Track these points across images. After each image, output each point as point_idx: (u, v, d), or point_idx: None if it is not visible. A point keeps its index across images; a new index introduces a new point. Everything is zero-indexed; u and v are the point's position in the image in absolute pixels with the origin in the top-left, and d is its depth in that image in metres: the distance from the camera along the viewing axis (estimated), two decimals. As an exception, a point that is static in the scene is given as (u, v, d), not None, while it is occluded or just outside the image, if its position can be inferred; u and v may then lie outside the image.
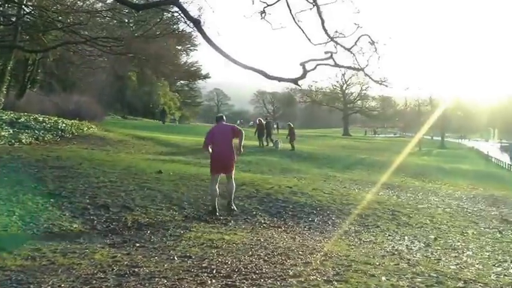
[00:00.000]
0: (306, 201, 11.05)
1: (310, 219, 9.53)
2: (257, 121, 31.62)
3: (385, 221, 9.88)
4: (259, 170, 18.11)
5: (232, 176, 9.95)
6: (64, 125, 23.14)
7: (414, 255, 7.32)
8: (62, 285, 4.83)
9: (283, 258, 6.18)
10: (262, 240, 7.34)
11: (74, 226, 7.61)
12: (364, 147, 47.68)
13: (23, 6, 27.66)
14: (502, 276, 6.35)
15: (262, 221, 9.01)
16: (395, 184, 17.90)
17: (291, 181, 14.79)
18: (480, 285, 5.59)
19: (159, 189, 10.57)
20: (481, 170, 30.22)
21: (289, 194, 11.61)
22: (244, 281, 5.13)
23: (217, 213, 9.20)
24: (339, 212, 10.32)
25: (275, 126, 63.60)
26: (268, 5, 14.20)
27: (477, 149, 61.37)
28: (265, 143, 29.08)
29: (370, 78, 15.68)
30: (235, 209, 9.70)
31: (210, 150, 9.79)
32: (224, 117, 10.44)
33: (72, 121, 25.08)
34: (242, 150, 9.98)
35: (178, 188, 10.91)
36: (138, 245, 6.70)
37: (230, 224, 8.57)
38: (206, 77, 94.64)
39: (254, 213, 9.57)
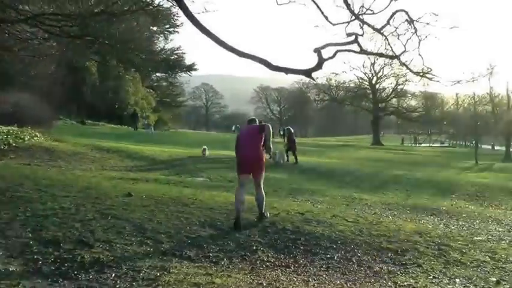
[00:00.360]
0: (323, 232, 11.01)
1: (328, 255, 9.48)
2: None
3: (429, 258, 9.82)
4: (261, 191, 18.08)
5: (261, 184, 11.50)
6: (-3, 133, 23.10)
7: (468, 303, 7.28)
8: None
9: (292, 308, 6.16)
10: (264, 284, 7.33)
11: (11, 269, 7.54)
12: (400, 160, 47.61)
13: None
14: None
15: (265, 259, 8.96)
16: (442, 209, 17.87)
17: (304, 205, 14.78)
18: None
19: (128, 217, 10.56)
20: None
21: (300, 223, 11.59)
22: None
23: (241, 229, 10.56)
24: (367, 247, 10.28)
25: (281, 133, 63.61)
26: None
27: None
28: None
29: (408, 68, 15.73)
30: (268, 215, 11.58)
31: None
32: (257, 121, 12.57)
33: (9, 128, 25.07)
34: (272, 147, 11.70)
35: (153, 216, 10.90)
36: (98, 292, 6.66)
37: (222, 262, 8.52)
38: (191, 68, 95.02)
39: (254, 248, 9.52)
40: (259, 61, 13.26)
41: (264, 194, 11.57)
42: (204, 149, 30.07)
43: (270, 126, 11.65)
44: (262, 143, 11.56)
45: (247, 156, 11.42)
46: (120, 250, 8.60)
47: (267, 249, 9.54)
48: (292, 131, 31.34)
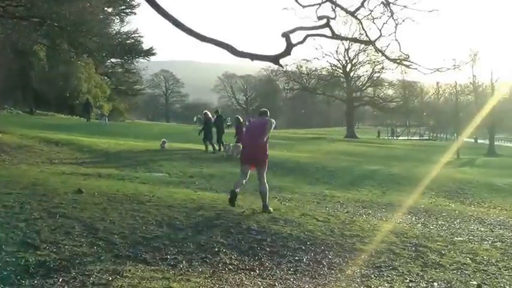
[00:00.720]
0: (292, 232, 11.03)
1: (296, 258, 9.50)
2: (202, 115, 31.56)
3: (405, 261, 9.90)
4: (223, 187, 18.09)
5: (264, 176, 12.86)
6: None
7: (447, 309, 7.34)
8: None
9: (256, 315, 6.15)
10: (227, 289, 7.29)
11: None
12: (376, 154, 47.97)
13: None
14: None
15: (228, 261, 8.94)
16: (421, 207, 18.02)
17: (270, 203, 14.79)
18: None
19: (78, 216, 10.45)
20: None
21: (266, 222, 11.59)
22: None
23: (235, 202, 12.43)
24: (339, 248, 10.33)
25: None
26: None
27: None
28: (217, 148, 29.24)
29: (383, 55, 15.79)
30: (271, 210, 12.68)
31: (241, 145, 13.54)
32: (268, 113, 13.38)
33: None
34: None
35: (106, 215, 10.81)
36: (44, 299, 6.58)
37: (181, 265, 8.47)
38: (149, 53, 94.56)
39: (216, 249, 9.50)
40: (223, 46, 13.19)
41: (267, 186, 12.91)
42: (163, 142, 29.97)
43: (273, 120, 13.04)
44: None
45: (250, 152, 12.96)
46: (68, 252, 8.51)
47: (230, 250, 9.52)
48: (241, 120, 30.37)
